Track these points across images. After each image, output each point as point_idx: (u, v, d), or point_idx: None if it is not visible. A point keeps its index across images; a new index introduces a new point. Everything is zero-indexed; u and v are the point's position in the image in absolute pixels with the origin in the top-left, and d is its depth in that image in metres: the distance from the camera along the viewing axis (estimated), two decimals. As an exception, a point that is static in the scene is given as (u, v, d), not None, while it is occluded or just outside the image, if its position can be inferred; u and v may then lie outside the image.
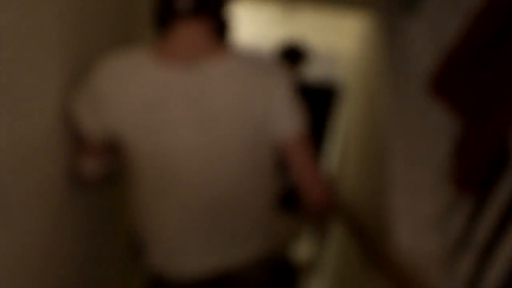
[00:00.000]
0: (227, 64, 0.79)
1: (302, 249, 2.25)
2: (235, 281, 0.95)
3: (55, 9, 0.76)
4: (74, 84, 0.87)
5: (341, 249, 1.75)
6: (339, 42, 2.93)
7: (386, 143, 1.21)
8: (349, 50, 2.38)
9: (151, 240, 0.92)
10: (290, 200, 1.16)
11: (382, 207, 1.15)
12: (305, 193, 0.88)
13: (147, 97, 0.76)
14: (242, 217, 0.90)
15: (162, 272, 0.94)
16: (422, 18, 1.40)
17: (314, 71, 2.75)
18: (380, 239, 1.05)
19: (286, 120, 0.83)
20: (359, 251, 1.09)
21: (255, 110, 0.80)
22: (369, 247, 0.99)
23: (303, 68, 2.09)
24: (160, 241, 0.91)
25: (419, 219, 1.02)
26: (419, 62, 1.36)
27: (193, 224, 0.87)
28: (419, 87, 1.31)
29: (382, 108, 1.34)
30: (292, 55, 2.05)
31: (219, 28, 0.83)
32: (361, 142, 1.72)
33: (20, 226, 0.70)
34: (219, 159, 0.82)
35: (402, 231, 1.00)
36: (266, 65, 0.82)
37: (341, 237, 1.68)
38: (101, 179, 0.93)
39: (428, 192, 1.05)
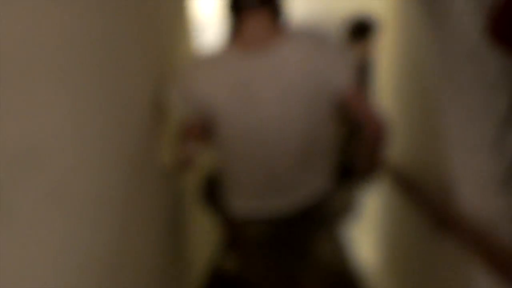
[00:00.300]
0: (290, 42, 1.00)
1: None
2: (301, 216, 1.16)
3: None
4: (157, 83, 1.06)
5: (390, 202, 1.71)
6: (371, 5, 2.83)
7: (439, 100, 1.15)
8: (382, 12, 2.28)
9: (236, 189, 1.15)
10: (345, 173, 1.34)
11: (442, 167, 1.10)
12: (364, 124, 1.05)
13: (235, 81, 0.98)
14: (310, 166, 1.12)
15: (245, 214, 1.16)
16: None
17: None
18: (443, 200, 1.01)
19: (342, 75, 1.03)
20: (422, 213, 1.12)
21: (318, 74, 1.00)
22: (432, 210, 0.98)
23: (374, 40, 2.08)
24: (246, 189, 1.14)
25: (485, 179, 0.97)
26: (463, 12, 1.26)
27: (274, 174, 1.10)
28: (467, 41, 1.22)
29: (430, 66, 1.26)
30: (361, 29, 2.06)
31: (277, 14, 1.02)
32: (404, 100, 1.66)
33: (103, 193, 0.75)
34: (295, 119, 1.03)
35: (468, 192, 0.96)
36: (318, 38, 1.05)
37: (390, 191, 1.65)
38: (194, 161, 1.12)
39: (491, 150, 0.99)
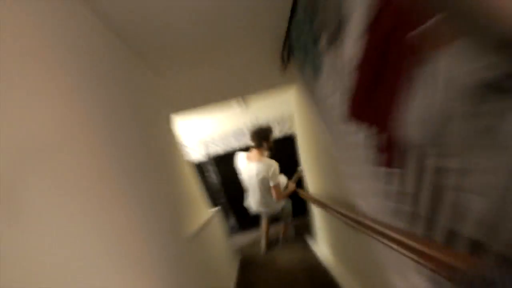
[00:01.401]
0: (262, 161, 3.35)
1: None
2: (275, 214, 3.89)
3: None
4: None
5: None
6: (287, 108, 4.02)
7: (334, 155, 1.87)
8: (292, 111, 3.31)
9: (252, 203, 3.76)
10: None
11: (346, 192, 1.77)
12: (274, 196, 3.47)
13: (244, 171, 3.51)
14: (268, 200, 3.60)
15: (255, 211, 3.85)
16: (324, 76, 1.90)
17: (279, 130, 4.93)
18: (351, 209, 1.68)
19: (273, 180, 3.31)
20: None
21: (265, 175, 3.34)
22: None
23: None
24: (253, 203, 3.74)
25: (368, 194, 1.65)
26: (331, 102, 2.01)
27: (258, 199, 3.62)
28: (337, 119, 1.99)
29: (322, 138, 2.03)
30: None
31: (264, 149, 3.38)
32: (317, 159, 2.50)
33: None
34: (260, 185, 3.47)
35: (360, 203, 1.62)
36: (269, 160, 3.36)
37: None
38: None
39: (369, 178, 1.70)
